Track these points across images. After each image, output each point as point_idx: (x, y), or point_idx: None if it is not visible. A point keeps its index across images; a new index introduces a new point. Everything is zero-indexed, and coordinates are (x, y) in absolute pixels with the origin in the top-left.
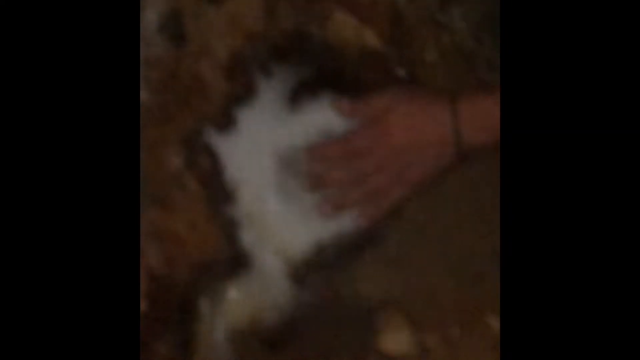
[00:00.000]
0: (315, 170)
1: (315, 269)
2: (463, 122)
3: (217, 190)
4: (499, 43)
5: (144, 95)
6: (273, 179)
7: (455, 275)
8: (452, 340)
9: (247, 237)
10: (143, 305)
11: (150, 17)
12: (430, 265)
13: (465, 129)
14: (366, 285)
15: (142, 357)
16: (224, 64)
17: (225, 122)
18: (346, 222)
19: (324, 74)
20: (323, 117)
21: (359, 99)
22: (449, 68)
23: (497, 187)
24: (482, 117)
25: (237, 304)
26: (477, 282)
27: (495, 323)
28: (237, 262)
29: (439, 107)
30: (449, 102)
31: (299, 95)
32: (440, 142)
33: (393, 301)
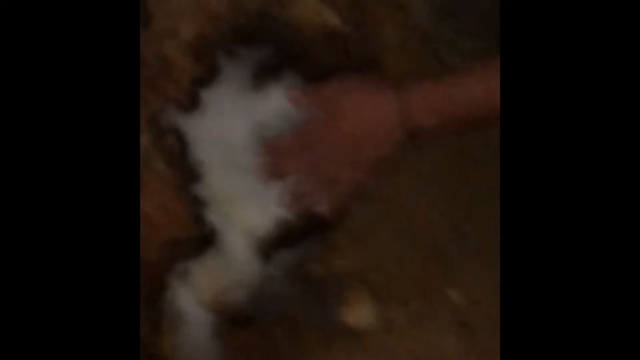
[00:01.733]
0: (269, 162)
1: (282, 245)
2: (408, 108)
3: (183, 170)
4: (458, 25)
5: None
6: (237, 158)
7: (418, 250)
8: (415, 313)
9: (213, 216)
10: None
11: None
12: (394, 240)
13: (410, 114)
14: (332, 260)
15: None
16: (189, 45)
17: (190, 102)
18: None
19: (286, 54)
20: (285, 99)
21: (310, 88)
22: (409, 49)
23: (457, 164)
24: (431, 102)
25: (205, 282)
26: (438, 258)
27: (455, 297)
28: (203, 241)
29: (384, 94)
30: (395, 88)
31: (262, 76)
32: (386, 126)
33: (358, 276)
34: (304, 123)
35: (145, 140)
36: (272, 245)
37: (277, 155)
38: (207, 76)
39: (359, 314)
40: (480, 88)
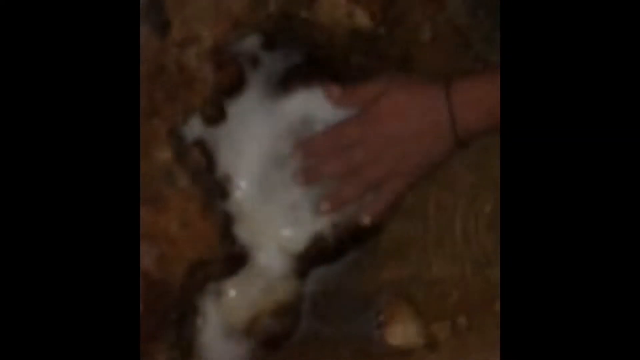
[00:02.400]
0: (306, 165)
1: (318, 261)
2: (459, 108)
3: (209, 186)
4: (498, 19)
5: None
6: (267, 171)
7: (464, 261)
8: (460, 330)
9: (243, 234)
10: (141, 307)
11: None
12: (437, 252)
13: (461, 115)
14: (369, 276)
15: None
16: (210, 52)
17: (215, 114)
18: (345, 210)
19: (314, 59)
20: (315, 105)
21: (350, 87)
22: (445, 47)
23: (496, 169)
24: (479, 101)
25: (237, 303)
26: (481, 269)
27: None
28: (234, 260)
29: (433, 94)
30: (443, 87)
31: (289, 82)
32: (436, 130)
33: (397, 292)
34: (342, 123)
35: (166, 155)
36: (308, 262)
37: (314, 158)
38: (231, 85)
39: (401, 332)
40: None
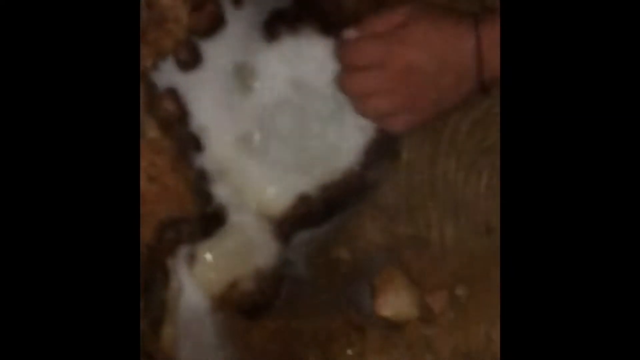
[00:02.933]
0: (351, 77)
1: (301, 225)
2: (488, 48)
3: (182, 138)
4: None
5: None
6: (248, 123)
7: (459, 224)
8: (458, 300)
9: (221, 192)
10: None
11: None
12: (433, 214)
13: (489, 56)
14: (359, 241)
15: None
16: None
17: (189, 58)
18: (332, 170)
19: (302, 1)
20: (303, 54)
21: (371, 16)
22: None
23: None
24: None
25: (213, 268)
26: (484, 234)
27: None
28: (210, 221)
29: (462, 29)
30: (473, 24)
31: (275, 27)
32: (460, 67)
33: (390, 258)
34: (364, 39)
35: None
36: (291, 225)
37: (356, 70)
38: (209, 26)
39: (394, 302)
40: None
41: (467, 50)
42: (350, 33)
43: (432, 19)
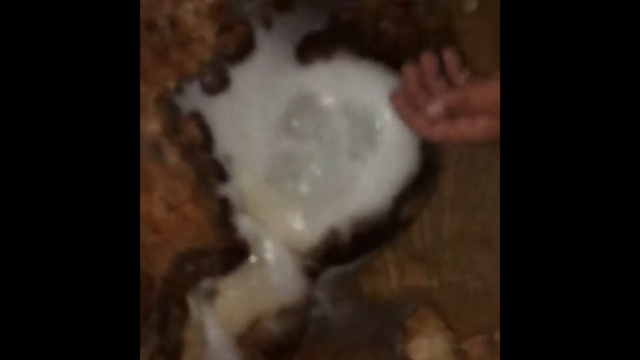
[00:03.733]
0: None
1: (330, 260)
2: None
3: (204, 165)
4: None
5: None
6: (276, 152)
7: (492, 265)
8: (495, 345)
9: (245, 223)
10: None
11: None
12: (471, 254)
13: None
14: (391, 280)
15: None
16: (213, 8)
17: (215, 81)
18: (363, 205)
19: (337, 25)
20: (336, 80)
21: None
22: (490, 18)
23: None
24: None
25: (235, 305)
26: None
27: None
28: (232, 254)
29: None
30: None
31: (306, 52)
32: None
33: (425, 300)
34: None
35: (154, 126)
36: (320, 260)
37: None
38: (237, 49)
39: (428, 346)
40: None
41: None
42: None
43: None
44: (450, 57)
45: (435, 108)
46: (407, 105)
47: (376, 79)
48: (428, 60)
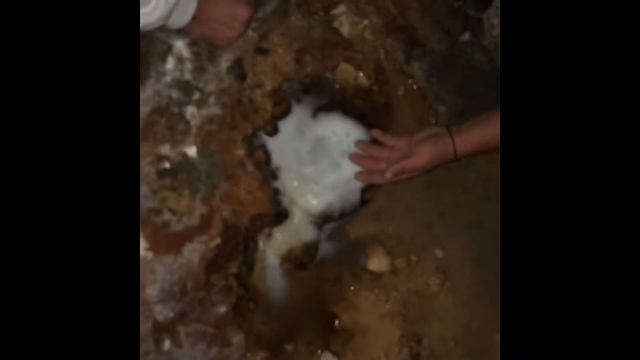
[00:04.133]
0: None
1: (328, 220)
2: (458, 143)
3: (266, 171)
4: (444, 85)
5: (217, 111)
6: (300, 165)
7: (414, 224)
8: (412, 263)
9: (286, 200)
10: (219, 241)
11: (223, 64)
12: (398, 217)
13: (459, 146)
14: (359, 229)
15: (218, 277)
16: (270, 93)
17: (272, 129)
18: (345, 192)
19: (333, 101)
20: (333, 128)
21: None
22: (411, 99)
23: (445, 173)
24: (470, 138)
25: (280, 242)
26: (426, 228)
27: (439, 253)
28: (279, 216)
29: (446, 141)
30: (449, 135)
31: (318, 114)
32: (444, 157)
33: (376, 239)
34: (393, 144)
35: (241, 152)
36: (322, 220)
37: (369, 159)
38: (282, 113)
39: (377, 262)
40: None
41: (448, 148)
42: (376, 133)
43: (432, 141)
44: (376, 133)
45: (388, 175)
46: (362, 162)
47: (354, 128)
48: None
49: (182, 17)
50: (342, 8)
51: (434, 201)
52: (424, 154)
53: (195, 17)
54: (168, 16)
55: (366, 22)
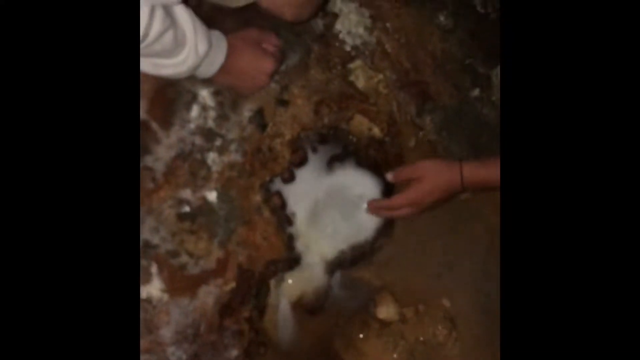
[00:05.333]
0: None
1: (340, 267)
2: (465, 177)
3: (281, 217)
4: (457, 137)
5: (238, 158)
6: (315, 212)
7: (422, 273)
8: (420, 312)
9: (299, 246)
10: (234, 285)
11: (245, 113)
12: (407, 266)
13: (466, 180)
14: (369, 277)
15: (231, 320)
16: (289, 142)
17: (288, 177)
18: (356, 240)
19: (348, 151)
20: (347, 177)
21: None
22: (422, 151)
23: (452, 219)
24: (478, 174)
25: (292, 287)
26: (435, 277)
27: (446, 303)
28: (292, 261)
29: (454, 171)
30: (458, 166)
31: (333, 163)
32: (453, 188)
33: (385, 287)
34: (404, 194)
35: (258, 198)
36: (334, 266)
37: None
38: (299, 161)
39: (386, 311)
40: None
41: (457, 180)
42: (390, 176)
43: (439, 169)
44: (389, 176)
45: (403, 213)
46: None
47: (368, 179)
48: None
49: (211, 67)
50: (358, 62)
51: (443, 251)
52: (429, 177)
53: (222, 68)
54: (197, 66)
55: (380, 76)
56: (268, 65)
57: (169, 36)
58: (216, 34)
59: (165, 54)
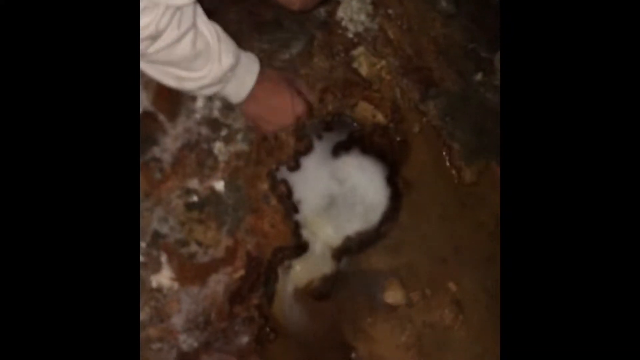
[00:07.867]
0: None
1: (347, 252)
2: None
3: (288, 205)
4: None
5: (244, 147)
6: (321, 199)
7: (429, 257)
8: (426, 297)
9: (306, 233)
10: (243, 273)
11: None
12: (413, 251)
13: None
14: (376, 262)
15: (241, 308)
16: (293, 131)
17: (294, 165)
18: (364, 225)
19: (352, 138)
20: (352, 164)
21: None
22: (426, 137)
23: (459, 206)
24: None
25: (299, 273)
26: (440, 263)
27: (453, 287)
28: (299, 248)
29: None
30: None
31: (338, 150)
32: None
33: (392, 272)
34: None
35: (265, 186)
36: (341, 252)
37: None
38: (304, 150)
39: (393, 295)
40: None
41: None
42: None
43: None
44: None
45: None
46: None
47: (371, 165)
48: None
49: (240, 89)
50: (360, 49)
51: (449, 236)
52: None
53: (254, 96)
54: (222, 80)
55: (383, 62)
56: (301, 108)
57: (186, 41)
58: (248, 54)
59: (185, 64)
